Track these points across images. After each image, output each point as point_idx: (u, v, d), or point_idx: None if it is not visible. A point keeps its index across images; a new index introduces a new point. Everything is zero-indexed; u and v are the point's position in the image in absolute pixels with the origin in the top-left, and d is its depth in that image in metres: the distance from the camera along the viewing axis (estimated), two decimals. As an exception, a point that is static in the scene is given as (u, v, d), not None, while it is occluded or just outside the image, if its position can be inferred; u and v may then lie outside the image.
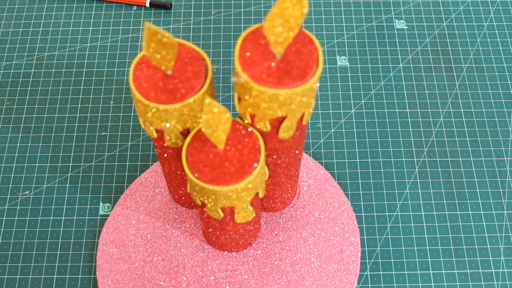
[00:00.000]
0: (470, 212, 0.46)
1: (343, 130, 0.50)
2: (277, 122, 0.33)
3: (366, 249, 0.45)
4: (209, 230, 0.40)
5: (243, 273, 0.43)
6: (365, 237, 0.45)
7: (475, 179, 0.48)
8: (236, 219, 0.36)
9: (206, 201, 0.34)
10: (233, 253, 0.43)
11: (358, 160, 0.48)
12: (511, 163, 0.48)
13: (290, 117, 0.32)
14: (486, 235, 0.45)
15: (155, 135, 0.35)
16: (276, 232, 0.44)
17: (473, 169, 0.48)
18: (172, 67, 0.32)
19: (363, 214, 0.46)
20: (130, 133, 0.49)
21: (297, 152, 0.37)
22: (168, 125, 0.33)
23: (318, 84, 0.36)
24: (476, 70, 0.53)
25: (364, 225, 0.46)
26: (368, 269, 0.44)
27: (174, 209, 0.45)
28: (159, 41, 0.30)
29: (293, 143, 0.36)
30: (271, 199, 0.43)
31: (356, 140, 0.49)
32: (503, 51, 0.54)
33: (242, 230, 0.39)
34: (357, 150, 0.49)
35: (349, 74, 0.53)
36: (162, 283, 0.42)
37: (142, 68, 0.33)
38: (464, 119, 0.50)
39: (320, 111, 0.51)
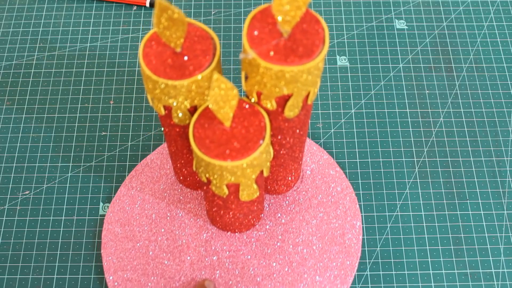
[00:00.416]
0: (470, 212, 0.46)
1: (343, 130, 0.50)
2: (283, 101, 0.33)
3: (366, 249, 0.45)
4: (213, 209, 0.40)
5: (246, 254, 0.43)
6: (365, 237, 0.45)
7: (475, 179, 0.48)
8: (241, 196, 0.37)
9: (211, 178, 0.35)
10: (236, 234, 0.44)
11: (358, 160, 0.48)
12: (511, 163, 0.48)
13: (295, 95, 0.33)
14: (486, 235, 0.45)
15: (162, 112, 0.35)
16: (279, 214, 0.45)
17: (473, 169, 0.48)
18: (181, 45, 0.33)
19: (363, 214, 0.46)
20: (130, 133, 0.49)
21: (301, 133, 0.38)
22: (175, 103, 0.34)
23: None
24: (476, 70, 0.53)
25: (364, 225, 0.46)
26: (368, 269, 0.44)
27: (179, 190, 0.46)
28: (169, 17, 0.30)
29: (298, 122, 0.36)
30: (275, 182, 0.43)
31: (356, 140, 0.49)
32: (503, 51, 0.54)
33: (246, 209, 0.40)
34: (357, 150, 0.49)
35: (349, 74, 0.53)
36: (165, 262, 0.43)
37: (152, 45, 0.33)
38: (464, 119, 0.50)
39: (320, 111, 0.51)
